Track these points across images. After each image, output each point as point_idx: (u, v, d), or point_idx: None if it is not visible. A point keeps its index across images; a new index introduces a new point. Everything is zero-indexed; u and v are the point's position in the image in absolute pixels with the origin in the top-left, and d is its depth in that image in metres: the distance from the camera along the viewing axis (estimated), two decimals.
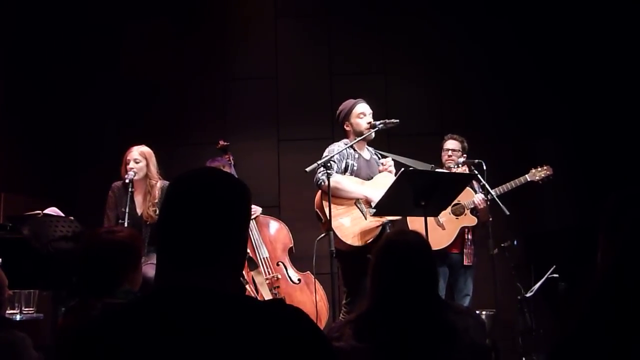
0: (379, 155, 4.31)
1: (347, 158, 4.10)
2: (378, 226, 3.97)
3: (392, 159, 4.19)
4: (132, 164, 4.24)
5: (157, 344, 1.13)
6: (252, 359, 1.11)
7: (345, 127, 4.23)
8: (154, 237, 4.18)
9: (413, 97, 6.02)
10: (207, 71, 6.21)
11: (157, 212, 4.20)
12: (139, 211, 4.26)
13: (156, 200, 4.26)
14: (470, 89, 6.00)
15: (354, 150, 4.15)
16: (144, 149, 4.33)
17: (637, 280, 1.39)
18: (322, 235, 3.90)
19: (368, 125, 4.12)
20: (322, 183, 3.85)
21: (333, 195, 3.79)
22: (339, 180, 3.94)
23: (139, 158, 4.28)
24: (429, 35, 6.05)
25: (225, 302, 1.18)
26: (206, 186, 1.28)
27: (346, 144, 4.12)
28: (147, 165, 4.30)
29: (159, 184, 4.31)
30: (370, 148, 4.32)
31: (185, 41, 6.21)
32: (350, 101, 4.25)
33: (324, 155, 4.02)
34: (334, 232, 3.78)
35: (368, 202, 3.98)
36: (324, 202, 3.85)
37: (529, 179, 4.59)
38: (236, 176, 4.68)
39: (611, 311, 1.36)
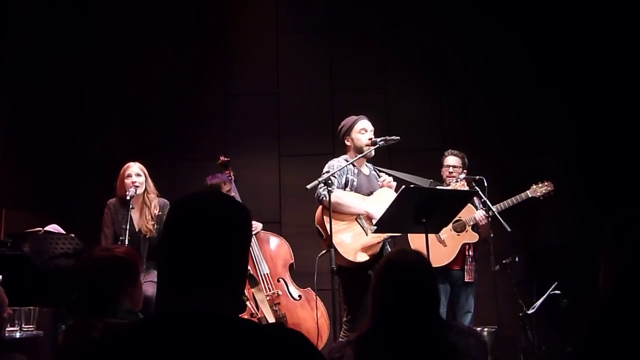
0: (378, 172, 4.30)
1: (347, 173, 4.09)
2: (379, 242, 3.96)
3: (391, 175, 4.18)
4: (134, 178, 4.25)
5: None
6: None
7: (345, 142, 4.23)
8: (153, 252, 4.17)
9: (415, 112, 6.02)
10: (208, 87, 6.24)
11: (156, 225, 4.23)
12: (136, 226, 4.26)
13: (157, 213, 4.26)
14: (472, 103, 6.00)
15: (353, 166, 4.14)
16: (140, 164, 4.37)
17: (637, 299, 1.39)
18: (324, 252, 3.88)
19: (369, 142, 4.11)
20: (324, 198, 3.82)
21: (334, 211, 3.77)
22: (340, 196, 3.92)
23: (140, 172, 4.31)
24: (431, 50, 6.06)
25: (224, 326, 1.17)
26: (206, 210, 1.29)
27: (346, 160, 4.12)
28: (146, 180, 4.34)
29: (156, 198, 4.34)
30: (369, 164, 4.32)
31: (186, 56, 6.25)
32: (353, 117, 4.24)
33: (324, 171, 4.02)
34: (335, 248, 3.76)
35: (369, 218, 3.97)
36: (325, 218, 3.83)
37: (530, 195, 4.60)
38: (237, 192, 4.72)
39: (612, 330, 1.36)
